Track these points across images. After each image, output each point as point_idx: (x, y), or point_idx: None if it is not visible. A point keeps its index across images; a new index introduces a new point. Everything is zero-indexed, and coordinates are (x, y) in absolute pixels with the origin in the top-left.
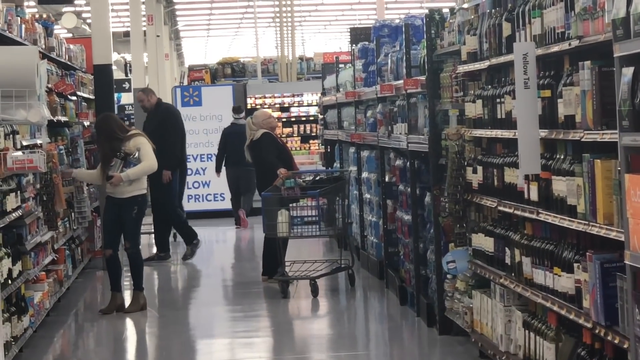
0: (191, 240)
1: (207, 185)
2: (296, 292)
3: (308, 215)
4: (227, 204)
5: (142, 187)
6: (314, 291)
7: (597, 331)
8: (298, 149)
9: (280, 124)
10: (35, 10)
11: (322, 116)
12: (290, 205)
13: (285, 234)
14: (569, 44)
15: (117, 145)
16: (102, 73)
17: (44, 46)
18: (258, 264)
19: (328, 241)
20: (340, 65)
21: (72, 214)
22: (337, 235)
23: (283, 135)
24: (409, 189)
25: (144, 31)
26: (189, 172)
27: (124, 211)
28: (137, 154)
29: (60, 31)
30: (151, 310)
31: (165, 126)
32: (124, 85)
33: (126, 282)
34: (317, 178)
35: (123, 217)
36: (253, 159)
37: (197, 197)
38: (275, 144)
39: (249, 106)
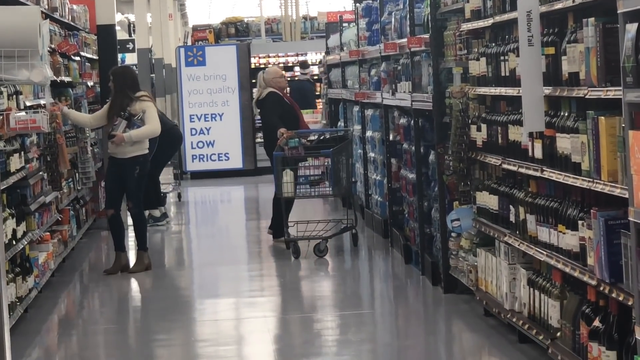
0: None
1: (211, 145)
2: (308, 253)
3: (313, 175)
4: (231, 164)
5: (144, 147)
6: (323, 251)
7: (601, 288)
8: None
9: None
10: None
11: (326, 75)
12: (301, 164)
13: (290, 194)
14: (573, 1)
15: (124, 101)
16: (105, 33)
17: (46, 6)
18: (262, 223)
19: (332, 200)
20: (344, 24)
21: (76, 174)
22: (342, 195)
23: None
24: (413, 148)
25: None
26: (193, 131)
27: (126, 171)
28: (141, 116)
29: None
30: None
31: None
32: (127, 46)
33: (131, 242)
34: (322, 137)
35: (125, 177)
36: (260, 117)
37: (201, 156)
38: (279, 104)
39: (252, 66)
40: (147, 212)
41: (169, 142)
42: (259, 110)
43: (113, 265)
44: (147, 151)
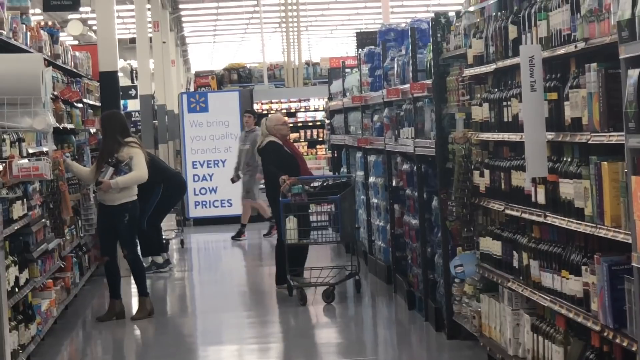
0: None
1: (214, 192)
2: (314, 299)
3: (317, 221)
4: (234, 210)
5: (132, 194)
6: (330, 297)
7: (605, 334)
8: (305, 154)
9: None
10: (41, 17)
11: (328, 121)
12: (311, 211)
13: (294, 241)
14: (575, 46)
15: (114, 146)
16: (108, 80)
17: (49, 53)
18: (265, 270)
19: (335, 246)
20: (347, 70)
21: (79, 221)
22: (347, 241)
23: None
24: (416, 193)
25: (150, 38)
26: (196, 178)
27: (116, 219)
28: (129, 163)
29: (66, 38)
30: (157, 315)
31: None
32: (130, 92)
33: (134, 288)
34: (325, 184)
35: (115, 225)
36: (262, 165)
37: (204, 203)
38: (277, 153)
39: (255, 111)
40: (149, 259)
41: (173, 189)
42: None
43: (107, 313)
44: (135, 197)
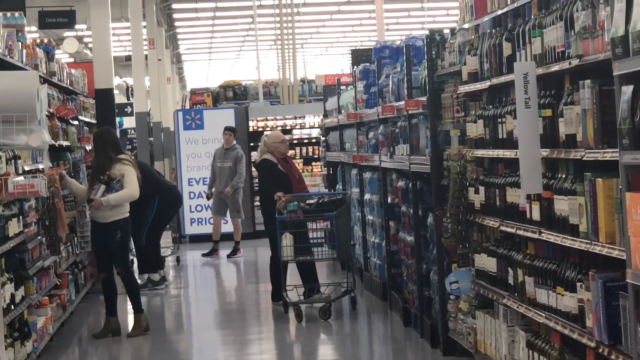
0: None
1: (210, 209)
2: (310, 316)
3: (313, 238)
4: (230, 227)
5: (124, 211)
6: (326, 314)
7: (600, 350)
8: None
9: None
10: (36, 35)
11: (324, 138)
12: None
13: (289, 258)
14: (569, 63)
15: (106, 162)
16: (103, 97)
17: (45, 71)
18: (262, 287)
19: (331, 263)
20: (342, 87)
21: (75, 238)
22: (342, 258)
23: None
24: (411, 210)
25: (146, 55)
26: (192, 195)
27: (108, 236)
28: (120, 180)
29: (62, 56)
30: (153, 332)
31: None
32: (125, 110)
33: (130, 305)
34: (320, 201)
35: (108, 242)
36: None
37: (200, 220)
38: (270, 171)
39: (251, 129)
40: (145, 276)
41: (169, 202)
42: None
43: (102, 330)
44: (127, 215)
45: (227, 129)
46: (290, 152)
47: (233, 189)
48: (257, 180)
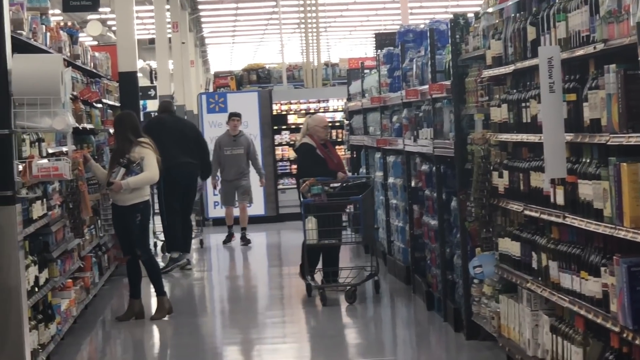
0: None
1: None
2: (333, 300)
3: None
4: (253, 210)
5: (144, 194)
6: (352, 297)
7: (624, 335)
8: None
9: None
10: (60, 18)
11: (347, 122)
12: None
13: (314, 242)
14: (594, 48)
15: (126, 145)
16: (127, 80)
17: (69, 54)
18: (285, 270)
19: (354, 246)
20: (366, 71)
21: (98, 221)
22: (367, 242)
23: None
24: (435, 194)
25: (169, 38)
26: (217, 177)
27: (127, 219)
28: (140, 163)
29: (86, 39)
30: (176, 315)
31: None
32: (149, 93)
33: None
34: (344, 184)
35: (128, 225)
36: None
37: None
38: (309, 155)
39: (274, 112)
40: (167, 256)
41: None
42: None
43: (126, 312)
44: (147, 197)
45: (235, 114)
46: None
47: (263, 177)
48: (280, 163)
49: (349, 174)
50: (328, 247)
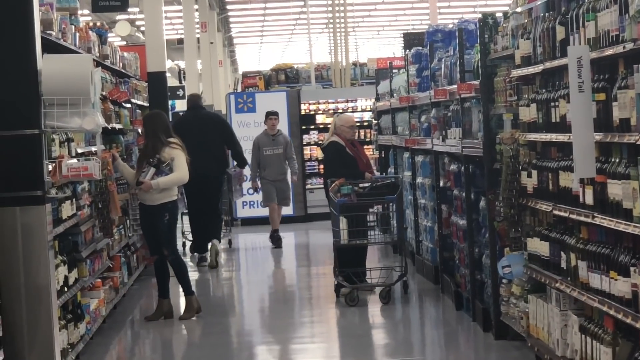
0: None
1: (260, 192)
2: (361, 300)
3: (368, 221)
4: (282, 210)
5: (173, 194)
6: (386, 297)
7: None
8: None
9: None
10: (89, 18)
11: (376, 121)
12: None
13: (345, 242)
14: (624, 47)
15: (157, 145)
16: (156, 80)
17: (98, 54)
18: (313, 270)
19: (383, 246)
20: (394, 71)
21: (127, 221)
22: (400, 242)
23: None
24: (463, 194)
25: (198, 38)
26: (244, 178)
27: (156, 219)
28: (170, 164)
29: (114, 39)
30: (205, 314)
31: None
32: (178, 93)
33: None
34: (374, 184)
35: (156, 224)
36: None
37: (251, 203)
38: (338, 154)
39: (302, 112)
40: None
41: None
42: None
43: (155, 312)
44: (175, 197)
45: (272, 113)
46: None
47: (296, 174)
48: (309, 163)
49: (377, 174)
50: (358, 247)
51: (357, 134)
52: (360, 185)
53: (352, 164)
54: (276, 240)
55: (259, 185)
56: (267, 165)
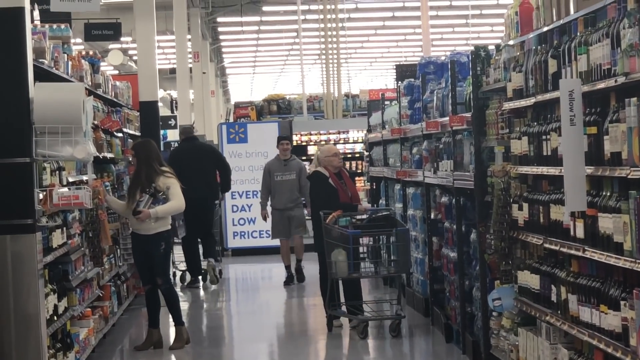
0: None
1: (252, 222)
2: (349, 332)
3: (362, 253)
4: (272, 241)
5: (167, 222)
6: (396, 330)
7: None
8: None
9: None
10: (82, 47)
11: (367, 153)
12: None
13: (344, 274)
14: (615, 81)
15: (152, 175)
16: (148, 110)
17: (90, 83)
18: (304, 301)
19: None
20: (386, 102)
21: (118, 250)
22: (404, 273)
23: None
24: (454, 226)
25: (190, 68)
26: (234, 208)
27: (152, 248)
28: (165, 193)
29: (107, 68)
30: (194, 345)
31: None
32: (170, 122)
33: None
34: (373, 216)
35: (151, 254)
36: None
37: (242, 233)
38: (320, 185)
39: (294, 143)
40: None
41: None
42: None
43: (144, 342)
44: (169, 227)
45: (283, 138)
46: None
47: (300, 204)
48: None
49: (368, 206)
50: (355, 279)
51: (345, 164)
52: (357, 217)
53: (332, 195)
54: (289, 279)
55: (269, 214)
56: (277, 192)
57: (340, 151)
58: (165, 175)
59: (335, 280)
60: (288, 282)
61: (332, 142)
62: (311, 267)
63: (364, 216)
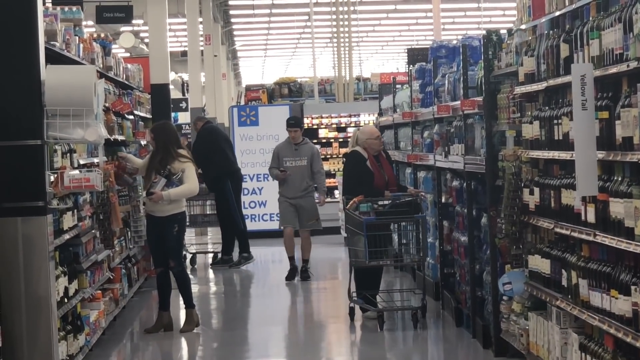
0: (243, 252)
1: (263, 205)
2: (358, 316)
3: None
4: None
5: (182, 205)
6: (417, 322)
7: None
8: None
9: (337, 144)
10: (93, 29)
11: None
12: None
13: (362, 263)
14: (627, 66)
15: (169, 157)
16: (159, 92)
17: (101, 65)
18: (314, 284)
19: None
20: (398, 86)
21: (128, 232)
22: (424, 261)
23: (339, 156)
24: (465, 210)
25: (202, 51)
26: (245, 191)
27: (165, 230)
28: (180, 175)
29: (118, 50)
30: (204, 328)
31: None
32: (181, 105)
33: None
34: (397, 201)
35: (164, 235)
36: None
37: (253, 216)
38: (357, 165)
39: (305, 126)
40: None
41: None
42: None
43: (154, 325)
44: (184, 209)
45: (293, 123)
46: (345, 150)
47: (325, 194)
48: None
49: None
50: (376, 268)
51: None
52: (380, 203)
53: (367, 180)
54: (291, 273)
55: (282, 175)
56: (286, 179)
57: (352, 134)
58: (181, 158)
59: (357, 269)
60: (290, 277)
61: (344, 125)
62: (323, 251)
63: (387, 202)
